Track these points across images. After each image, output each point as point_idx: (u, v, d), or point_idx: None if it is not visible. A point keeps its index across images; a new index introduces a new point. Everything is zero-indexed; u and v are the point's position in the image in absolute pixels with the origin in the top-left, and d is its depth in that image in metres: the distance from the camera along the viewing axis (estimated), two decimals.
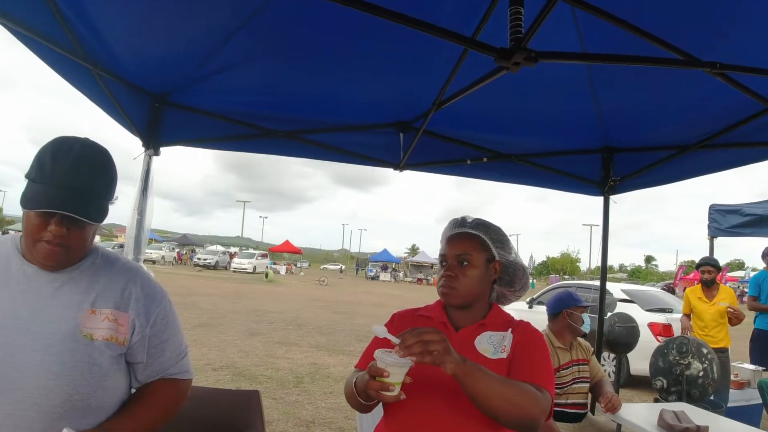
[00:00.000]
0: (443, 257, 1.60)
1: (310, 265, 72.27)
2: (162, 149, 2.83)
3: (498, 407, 1.29)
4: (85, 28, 1.99)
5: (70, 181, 1.19)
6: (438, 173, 3.42)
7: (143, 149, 2.74)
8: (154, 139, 2.76)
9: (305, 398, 5.79)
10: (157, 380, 1.40)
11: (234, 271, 37.85)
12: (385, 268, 52.26)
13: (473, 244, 1.58)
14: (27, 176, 1.23)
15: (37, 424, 1.18)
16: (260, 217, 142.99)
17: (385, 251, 58.62)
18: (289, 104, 2.71)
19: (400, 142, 2.92)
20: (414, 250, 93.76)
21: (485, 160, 3.25)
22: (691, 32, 1.89)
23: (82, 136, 1.30)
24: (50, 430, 1.19)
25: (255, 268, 38.41)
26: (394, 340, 1.23)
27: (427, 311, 1.67)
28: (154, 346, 1.36)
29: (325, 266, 74.85)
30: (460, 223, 1.65)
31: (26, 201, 1.18)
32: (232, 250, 51.19)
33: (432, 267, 52.12)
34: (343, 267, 65.35)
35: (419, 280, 48.72)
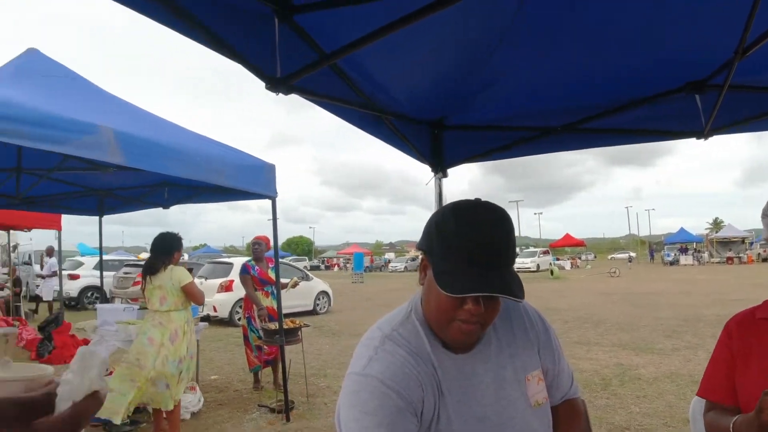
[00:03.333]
0: None
1: (595, 257, 67.98)
2: (449, 171, 3.05)
3: None
4: (370, 85, 2.33)
5: (487, 257, 1.07)
6: (750, 132, 2.81)
7: (432, 174, 3.01)
8: (439, 163, 3.00)
9: (616, 402, 5.45)
10: (562, 403, 1.34)
11: (518, 271, 38.19)
12: (684, 250, 45.40)
13: None
14: (425, 250, 1.16)
15: None
16: (535, 213, 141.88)
17: (681, 230, 51.00)
18: (562, 96, 2.62)
19: (698, 105, 2.50)
20: (717, 224, 79.40)
21: None
22: None
23: (474, 198, 1.18)
24: None
25: (538, 266, 38.15)
26: None
27: None
28: (557, 374, 1.33)
29: (613, 256, 69.24)
30: None
31: (447, 286, 1.06)
32: None
33: (743, 242, 43.12)
34: (632, 255, 58.99)
35: (729, 259, 40.70)
